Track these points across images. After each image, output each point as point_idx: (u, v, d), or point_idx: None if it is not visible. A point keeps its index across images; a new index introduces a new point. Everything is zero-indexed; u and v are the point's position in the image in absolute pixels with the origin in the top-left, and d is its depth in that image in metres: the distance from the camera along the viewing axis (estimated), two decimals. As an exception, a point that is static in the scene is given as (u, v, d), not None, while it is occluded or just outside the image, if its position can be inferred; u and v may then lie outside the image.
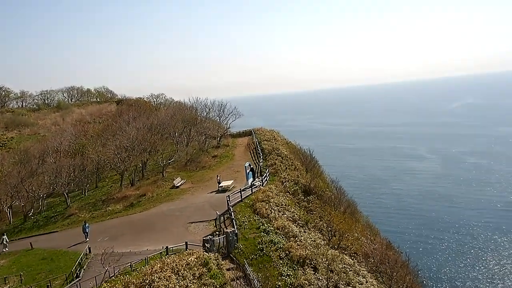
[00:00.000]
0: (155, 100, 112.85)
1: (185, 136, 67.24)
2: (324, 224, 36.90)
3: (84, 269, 28.02)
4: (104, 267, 25.46)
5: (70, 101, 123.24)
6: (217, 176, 48.16)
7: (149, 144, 56.97)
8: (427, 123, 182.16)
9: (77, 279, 26.34)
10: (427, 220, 61.07)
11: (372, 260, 32.01)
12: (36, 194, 49.12)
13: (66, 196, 50.35)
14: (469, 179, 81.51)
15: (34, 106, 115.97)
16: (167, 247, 27.74)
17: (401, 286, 29.49)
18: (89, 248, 31.57)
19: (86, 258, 30.11)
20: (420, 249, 51.78)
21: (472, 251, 50.20)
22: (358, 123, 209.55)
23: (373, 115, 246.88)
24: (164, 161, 56.58)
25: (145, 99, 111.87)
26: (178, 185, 50.26)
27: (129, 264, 25.98)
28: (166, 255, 26.93)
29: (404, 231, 57.81)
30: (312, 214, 39.49)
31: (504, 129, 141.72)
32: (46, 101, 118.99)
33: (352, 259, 30.75)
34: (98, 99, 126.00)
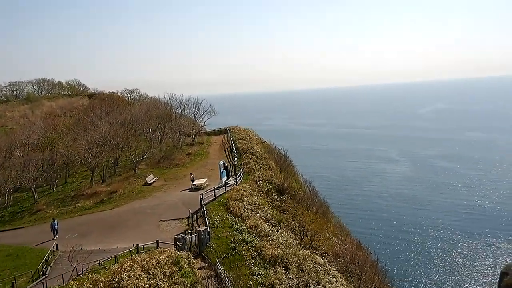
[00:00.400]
0: (129, 95, 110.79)
1: (159, 132, 66.42)
2: (297, 224, 37.24)
3: (51, 267, 27.29)
4: (71, 265, 24.85)
5: (40, 93, 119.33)
6: (190, 174, 47.82)
7: (122, 140, 55.97)
8: (401, 125, 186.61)
9: (44, 276, 25.65)
10: (396, 222, 62.61)
11: (342, 260, 32.55)
12: (2, 189, 47.39)
13: (34, 191, 48.81)
14: (437, 182, 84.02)
15: (2, 97, 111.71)
16: (137, 245, 27.38)
17: (369, 286, 30.09)
18: (57, 245, 30.75)
19: (53, 255, 29.32)
20: (389, 249, 53.05)
21: (438, 252, 51.83)
22: (334, 124, 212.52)
23: (349, 117, 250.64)
24: (137, 157, 55.71)
25: (118, 93, 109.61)
26: (150, 182, 49.62)
27: (98, 262, 25.48)
28: (136, 253, 26.55)
29: (374, 232, 59.07)
30: (285, 213, 39.77)
31: (472, 134, 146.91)
32: (15, 93, 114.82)
33: (323, 259, 31.16)
34: (69, 92, 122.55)
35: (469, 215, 63.73)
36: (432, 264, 48.79)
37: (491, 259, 49.01)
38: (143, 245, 27.53)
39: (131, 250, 27.06)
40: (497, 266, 46.55)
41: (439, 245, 53.79)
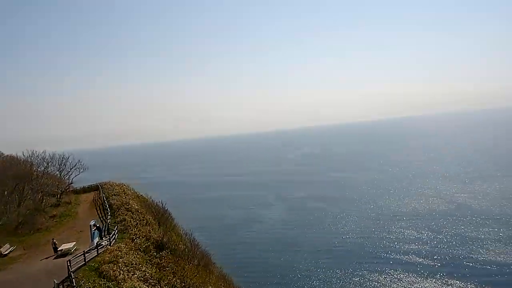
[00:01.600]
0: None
1: (17, 194, 58.81)
2: (178, 280, 35.76)
3: None
4: None
5: None
6: (52, 239, 42.53)
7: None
8: (276, 171, 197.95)
9: None
10: (274, 265, 64.66)
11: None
12: None
13: None
14: (309, 222, 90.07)
15: None
16: (-13, 331, 23.09)
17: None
18: None
19: None
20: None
21: (315, 289, 54.82)
22: (211, 174, 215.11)
23: (227, 165, 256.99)
24: (-12, 225, 48.15)
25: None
26: (6, 253, 43.01)
27: None
28: None
29: (254, 277, 59.90)
30: (165, 270, 37.96)
31: (335, 175, 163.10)
32: None
33: (206, 314, 30.31)
34: None
35: (338, 252, 69.14)
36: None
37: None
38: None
39: None
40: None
41: (314, 283, 56.89)
